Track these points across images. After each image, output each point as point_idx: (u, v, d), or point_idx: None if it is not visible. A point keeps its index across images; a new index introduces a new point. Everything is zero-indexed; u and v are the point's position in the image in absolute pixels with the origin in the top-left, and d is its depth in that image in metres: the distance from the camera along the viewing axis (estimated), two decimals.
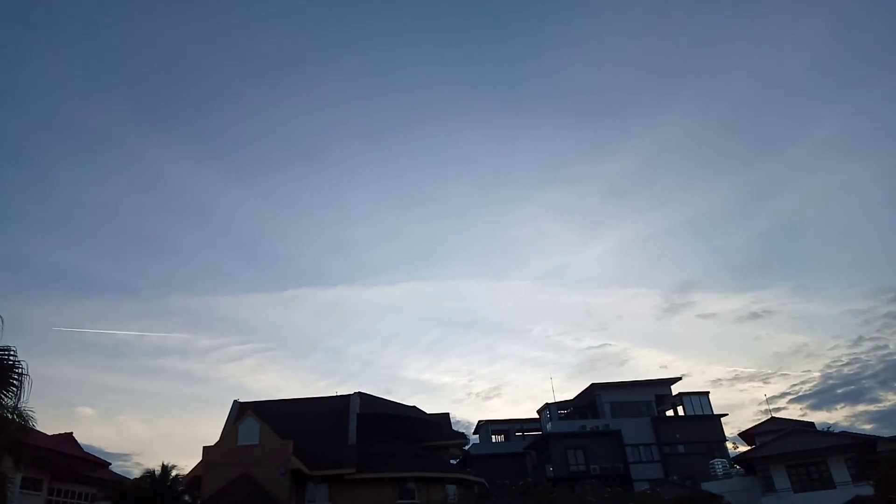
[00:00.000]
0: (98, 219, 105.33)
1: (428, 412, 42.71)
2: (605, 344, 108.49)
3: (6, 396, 10.85)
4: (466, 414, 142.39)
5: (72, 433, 37.59)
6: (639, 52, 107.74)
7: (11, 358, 10.90)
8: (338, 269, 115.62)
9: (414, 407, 42.13)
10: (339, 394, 40.35)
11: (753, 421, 76.00)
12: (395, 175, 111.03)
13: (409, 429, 38.67)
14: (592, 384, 57.11)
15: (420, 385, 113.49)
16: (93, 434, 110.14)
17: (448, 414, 45.52)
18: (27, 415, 20.66)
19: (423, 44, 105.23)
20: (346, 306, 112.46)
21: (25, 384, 10.95)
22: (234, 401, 38.50)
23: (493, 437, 61.99)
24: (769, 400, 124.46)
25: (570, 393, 66.78)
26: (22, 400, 11.89)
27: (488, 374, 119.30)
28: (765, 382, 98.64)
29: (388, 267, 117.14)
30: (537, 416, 61.93)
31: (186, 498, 34.93)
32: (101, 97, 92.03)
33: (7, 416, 19.62)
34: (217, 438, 33.03)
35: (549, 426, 56.61)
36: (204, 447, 31.91)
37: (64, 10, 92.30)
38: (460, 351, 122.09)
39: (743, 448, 48.40)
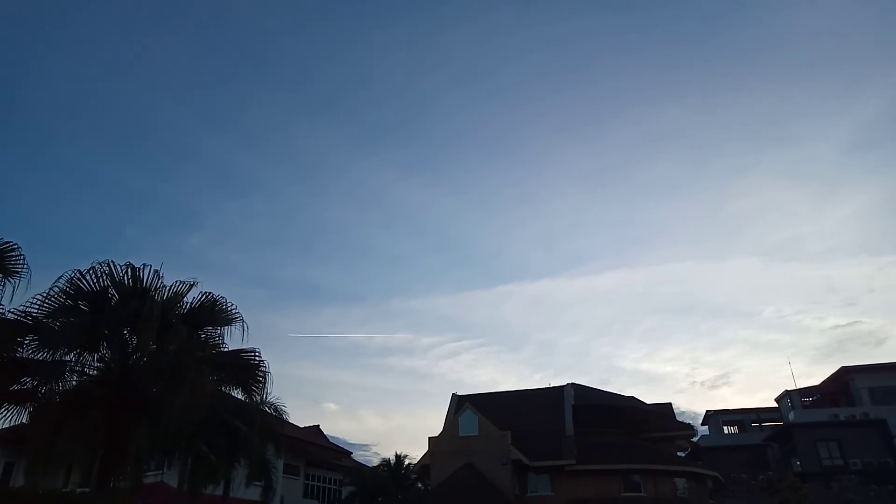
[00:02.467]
0: (327, 237, 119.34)
1: (649, 402, 41.40)
2: (856, 322, 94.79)
3: (255, 392, 12.72)
4: (692, 404, 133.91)
5: (318, 426, 42.94)
6: None
7: (256, 358, 12.63)
8: (542, 263, 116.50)
9: (632, 397, 41.05)
10: (552, 385, 40.73)
11: None
12: (594, 161, 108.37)
13: (628, 419, 37.71)
14: (843, 367, 50.40)
15: (638, 375, 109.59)
16: (339, 427, 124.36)
17: (670, 404, 43.50)
18: (281, 409, 24.49)
19: (607, 31, 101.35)
20: (554, 299, 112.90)
21: (268, 381, 12.61)
22: (453, 394, 40.78)
23: (725, 428, 57.75)
24: None
25: (814, 378, 59.80)
26: (267, 395, 13.77)
27: (714, 361, 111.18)
28: None
29: (593, 256, 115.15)
30: (776, 405, 56.33)
31: (419, 485, 38.01)
32: (318, 126, 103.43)
33: (265, 410, 23.35)
34: (441, 430, 35.43)
35: (791, 415, 51.21)
36: (430, 438, 34.40)
37: (289, 52, 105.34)
38: (680, 338, 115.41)
39: None
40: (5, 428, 12.27)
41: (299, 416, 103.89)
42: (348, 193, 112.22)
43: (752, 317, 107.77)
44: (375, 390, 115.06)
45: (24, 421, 12.08)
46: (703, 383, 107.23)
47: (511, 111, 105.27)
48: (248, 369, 12.66)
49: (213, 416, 12.25)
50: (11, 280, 11.63)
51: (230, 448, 12.78)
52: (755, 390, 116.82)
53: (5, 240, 11.67)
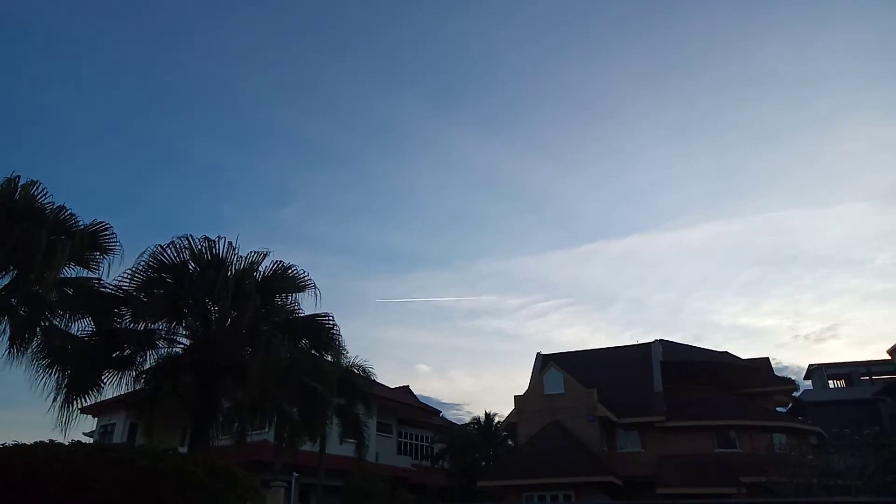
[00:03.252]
0: (410, 204, 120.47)
1: (744, 357, 39.78)
2: None
3: (330, 353, 13.29)
4: (795, 359, 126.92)
5: (408, 386, 44.21)
6: None
7: (329, 322, 13.14)
8: (630, 219, 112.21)
9: (725, 352, 39.50)
10: (639, 342, 39.88)
11: None
12: (683, 109, 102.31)
13: (721, 375, 36.43)
14: None
15: (737, 330, 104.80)
16: (431, 387, 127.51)
17: (767, 359, 41.71)
18: (369, 370, 25.41)
19: None
20: (643, 255, 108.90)
21: (341, 343, 13.16)
22: (538, 353, 40.74)
23: (830, 382, 54.56)
24: None
25: None
26: (343, 355, 14.38)
27: (820, 313, 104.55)
28: None
29: (684, 209, 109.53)
30: (888, 357, 52.47)
31: (509, 442, 38.61)
32: (399, 96, 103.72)
33: (351, 370, 24.29)
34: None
35: None
36: (515, 396, 34.68)
37: (383, 25, 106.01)
38: (782, 290, 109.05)
39: None
40: (128, 392, 13.40)
41: (392, 378, 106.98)
42: (428, 159, 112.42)
43: (863, 265, 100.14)
44: (465, 351, 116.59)
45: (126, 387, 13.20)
46: (807, 337, 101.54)
47: (589, 62, 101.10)
48: (321, 332, 13.15)
49: (290, 377, 12.69)
50: (107, 257, 12.69)
51: (309, 407, 13.27)
52: (867, 343, 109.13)
53: (98, 220, 12.64)
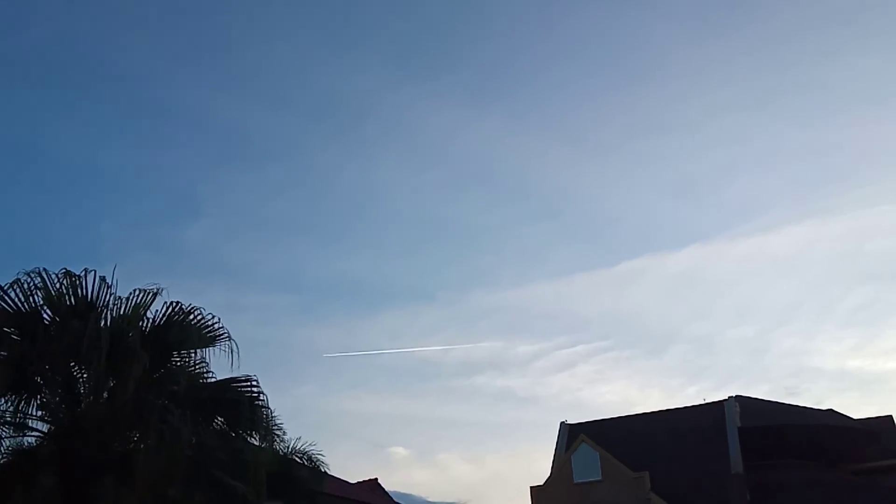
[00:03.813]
0: (376, 211, 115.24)
1: (856, 417, 39.90)
2: None
3: (253, 436, 13.15)
4: None
5: (377, 479, 43.82)
6: None
7: (251, 389, 13.00)
8: (686, 222, 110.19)
9: (830, 411, 39.66)
10: (707, 401, 40.01)
11: None
12: (754, 63, 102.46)
13: (826, 445, 36.59)
14: None
15: (846, 377, 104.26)
16: (412, 479, 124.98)
17: (891, 417, 41.70)
18: (316, 458, 25.15)
19: None
20: (709, 273, 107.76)
21: (270, 419, 13.14)
22: (561, 423, 40.92)
23: None
24: None
25: None
26: (273, 437, 14.28)
27: None
28: None
29: (764, 205, 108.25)
30: None
31: None
32: (350, 58, 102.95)
33: (295, 460, 23.99)
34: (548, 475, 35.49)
35: None
36: (532, 488, 34.49)
37: None
38: None
39: None
40: None
41: (355, 468, 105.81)
42: (395, 145, 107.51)
43: None
44: (460, 425, 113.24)
45: None
46: None
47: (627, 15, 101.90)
48: (240, 405, 12.99)
49: (198, 473, 12.50)
50: None
51: None
52: None
53: None
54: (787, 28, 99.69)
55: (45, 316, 12.66)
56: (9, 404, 12.61)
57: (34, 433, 13.01)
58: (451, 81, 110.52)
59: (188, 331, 12.97)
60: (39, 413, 12.90)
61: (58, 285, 12.66)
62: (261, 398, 13.13)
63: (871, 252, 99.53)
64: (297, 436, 25.40)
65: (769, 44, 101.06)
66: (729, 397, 39.07)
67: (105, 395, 12.73)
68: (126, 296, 12.93)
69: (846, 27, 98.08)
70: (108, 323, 12.53)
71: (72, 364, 12.53)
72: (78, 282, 12.72)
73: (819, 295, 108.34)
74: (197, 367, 13.31)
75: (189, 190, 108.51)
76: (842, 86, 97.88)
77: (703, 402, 40.52)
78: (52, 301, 12.63)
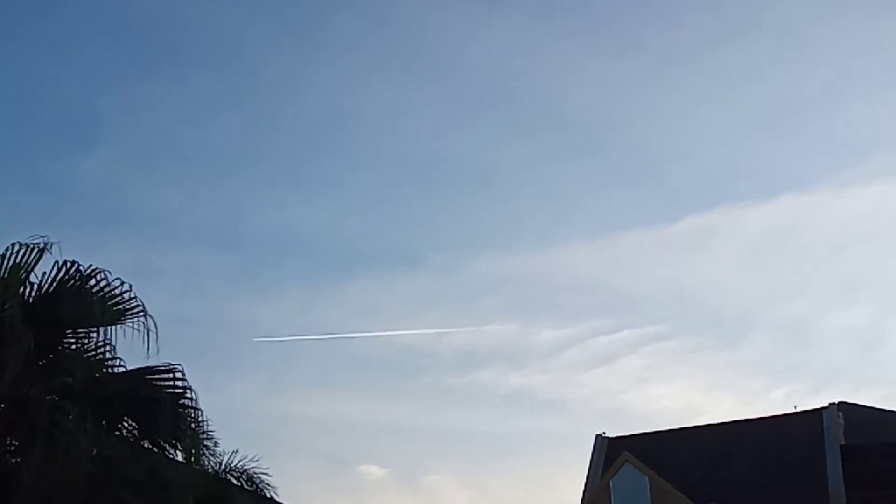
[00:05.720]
0: (337, 139, 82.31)
1: None
2: None
3: (177, 446, 10.86)
4: None
5: None
6: None
7: (174, 382, 10.61)
8: (777, 161, 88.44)
9: None
10: (799, 409, 36.33)
11: None
12: None
13: None
14: None
15: None
16: None
17: None
18: (261, 479, 21.32)
19: None
20: (806, 234, 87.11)
21: (201, 424, 11.04)
22: (597, 436, 37.44)
23: None
24: None
25: None
26: (203, 453, 12.65)
27: None
28: None
29: (882, 141, 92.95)
30: None
31: None
32: None
33: (231, 481, 20.48)
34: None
35: None
36: None
37: None
38: None
39: None
40: None
41: (315, 491, 78.71)
42: (385, 52, 78.55)
43: None
44: (455, 436, 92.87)
45: None
46: None
47: None
48: (158, 404, 10.42)
49: (100, 496, 10.08)
50: None
51: None
52: None
53: None
54: None
55: None
56: None
57: None
58: None
59: (87, 301, 10.29)
60: None
61: None
62: (186, 395, 10.77)
63: None
64: (234, 448, 21.62)
65: None
66: (829, 404, 35.45)
67: None
68: (3, 252, 10.28)
69: None
70: None
71: None
72: None
73: None
74: (99, 351, 10.78)
75: (86, 108, 72.84)
76: None
77: (794, 411, 36.94)
78: None
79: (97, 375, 10.77)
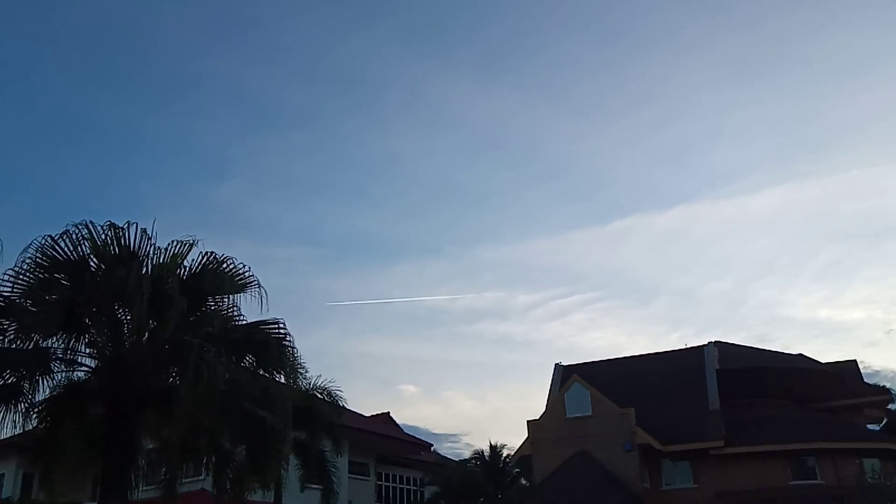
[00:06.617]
0: (390, 175, 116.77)
1: (824, 361, 40.18)
2: None
3: (280, 373, 13.40)
4: (891, 362, 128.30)
5: (388, 413, 44.43)
6: None
7: (278, 331, 13.21)
8: (674, 185, 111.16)
9: (801, 356, 39.89)
10: (688, 346, 40.31)
11: None
12: (741, 37, 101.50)
13: (795, 385, 36.96)
14: None
15: (815, 326, 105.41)
16: (420, 414, 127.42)
17: (855, 362, 42.13)
18: (336, 394, 25.44)
19: None
20: (693, 232, 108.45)
21: (296, 358, 13.61)
22: (556, 364, 41.25)
23: None
24: None
25: None
26: (298, 375, 14.99)
27: None
28: None
29: (745, 170, 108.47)
30: None
31: (523, 481, 38.79)
32: (369, 34, 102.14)
33: (316, 395, 24.32)
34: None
35: None
36: (528, 422, 34.83)
37: None
38: (873, 273, 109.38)
39: None
40: (18, 434, 13.23)
41: (369, 403, 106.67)
42: (410, 115, 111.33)
43: None
44: (463, 366, 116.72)
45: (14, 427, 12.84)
46: None
47: None
48: (268, 346, 13.16)
49: (231, 405, 12.59)
50: None
51: (258, 444, 13.24)
52: None
53: None
54: (772, 7, 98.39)
55: (91, 264, 12.83)
56: (60, 342, 12.80)
57: (83, 368, 13.29)
58: (464, 56, 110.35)
59: (221, 278, 13.14)
60: (88, 350, 13.17)
61: (103, 236, 12.81)
62: (287, 339, 13.34)
63: (843, 213, 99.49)
64: (318, 374, 25.97)
65: (754, 23, 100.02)
66: (708, 342, 39.20)
67: (146, 335, 12.89)
68: (165, 246, 13.12)
69: (823, 7, 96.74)
70: (149, 270, 12.73)
71: (116, 307, 12.68)
72: (121, 233, 12.86)
73: (794, 252, 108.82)
74: (229, 310, 13.54)
75: (221, 153, 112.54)
76: (820, 61, 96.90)
77: (684, 347, 40.87)
78: (98, 250, 12.77)
79: (228, 326, 13.32)
